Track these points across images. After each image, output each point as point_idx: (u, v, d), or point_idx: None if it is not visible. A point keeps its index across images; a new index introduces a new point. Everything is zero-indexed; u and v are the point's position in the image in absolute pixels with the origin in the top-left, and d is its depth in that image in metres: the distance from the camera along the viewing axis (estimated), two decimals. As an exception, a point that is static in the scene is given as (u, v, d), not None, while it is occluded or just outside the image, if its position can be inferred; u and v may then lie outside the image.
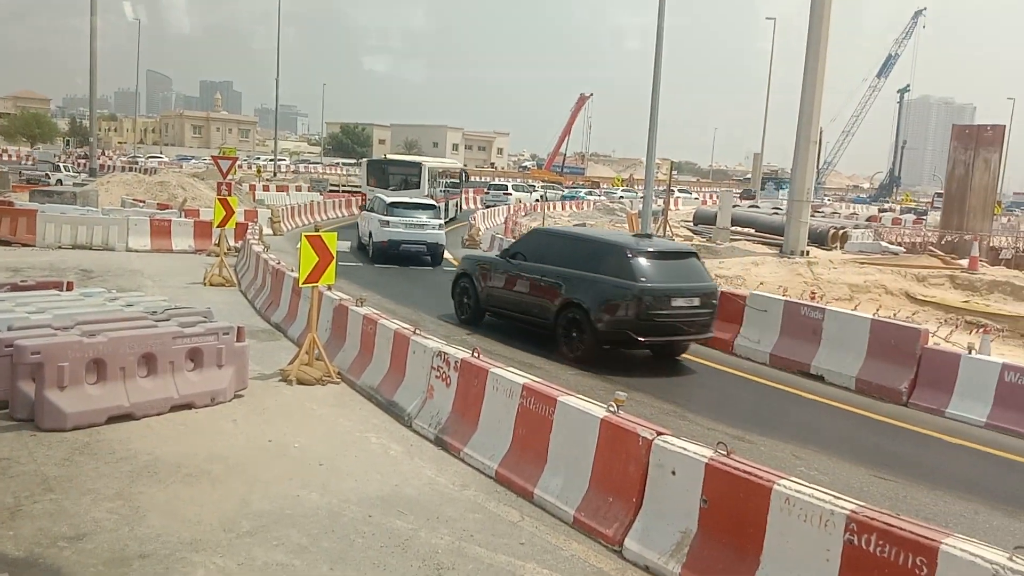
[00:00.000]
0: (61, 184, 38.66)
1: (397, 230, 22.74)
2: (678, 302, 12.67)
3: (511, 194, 54.35)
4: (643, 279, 12.42)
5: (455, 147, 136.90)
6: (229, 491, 7.01)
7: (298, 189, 50.01)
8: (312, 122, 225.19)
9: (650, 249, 13.10)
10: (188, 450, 7.87)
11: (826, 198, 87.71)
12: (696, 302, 12.92)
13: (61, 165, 52.24)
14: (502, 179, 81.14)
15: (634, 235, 17.19)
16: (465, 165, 63.54)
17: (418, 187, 32.03)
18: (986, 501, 8.27)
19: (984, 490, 8.67)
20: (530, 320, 14.16)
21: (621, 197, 62.82)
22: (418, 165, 33.46)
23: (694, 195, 79.15)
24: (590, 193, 66.87)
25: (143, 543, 5.95)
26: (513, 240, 20.40)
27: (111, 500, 6.63)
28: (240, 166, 60.02)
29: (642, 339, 12.46)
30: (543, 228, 19.16)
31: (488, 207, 46.74)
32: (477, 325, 15.17)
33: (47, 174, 46.99)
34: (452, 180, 39.31)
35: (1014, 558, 4.41)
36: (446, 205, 35.52)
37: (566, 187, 76.58)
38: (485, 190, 58.20)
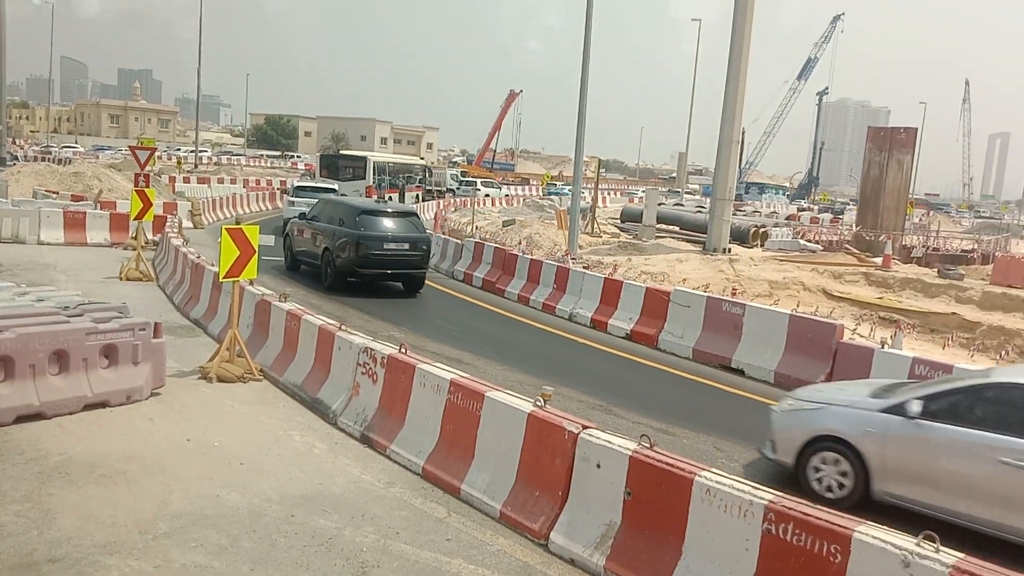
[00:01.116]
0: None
1: (301, 209, 24.79)
2: (390, 246, 17.84)
3: (480, 189, 58.40)
4: (363, 229, 17.60)
5: (383, 141, 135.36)
6: (145, 492, 6.80)
7: (220, 181, 48.74)
8: (235, 113, 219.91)
9: (373, 209, 18.57)
10: (102, 450, 7.61)
11: (765, 193, 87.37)
12: (406, 246, 18.09)
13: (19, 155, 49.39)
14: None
15: (375, 201, 21.48)
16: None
17: (364, 178, 36.25)
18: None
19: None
20: (312, 262, 19.16)
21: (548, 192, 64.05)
22: (364, 159, 38.18)
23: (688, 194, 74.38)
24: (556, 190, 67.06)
25: (53, 547, 5.72)
26: (437, 233, 25.02)
27: (19, 503, 6.36)
28: (159, 157, 58.22)
29: (363, 271, 17.73)
30: (327, 196, 23.20)
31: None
32: (296, 272, 19.84)
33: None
34: (409, 175, 43.58)
35: (921, 544, 4.60)
36: (401, 196, 39.05)
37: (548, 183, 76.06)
38: (456, 186, 60.21)
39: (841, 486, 7.84)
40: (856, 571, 4.77)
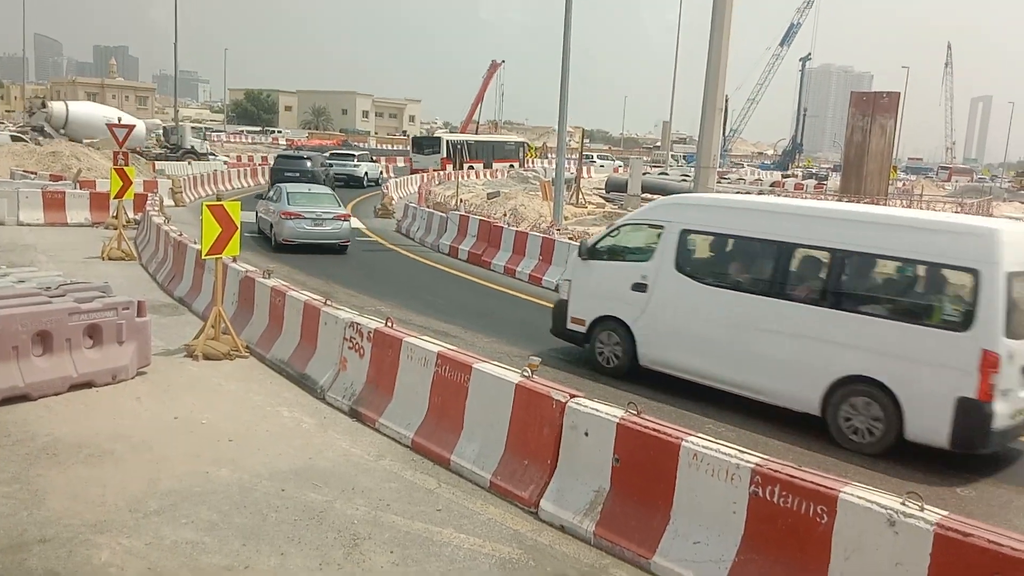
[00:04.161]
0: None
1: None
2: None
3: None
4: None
5: (365, 114, 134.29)
6: (134, 470, 6.79)
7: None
8: (214, 88, 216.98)
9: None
10: (89, 430, 7.58)
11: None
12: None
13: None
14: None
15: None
16: (376, 133, 74.22)
17: (439, 152, 50.51)
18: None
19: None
20: None
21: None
22: (438, 139, 54.46)
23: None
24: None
25: (43, 527, 5.71)
26: (421, 206, 26.25)
27: (7, 484, 6.33)
28: (139, 135, 57.14)
29: None
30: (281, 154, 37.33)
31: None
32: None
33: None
34: (504, 149, 58.89)
35: (906, 503, 4.65)
36: (487, 164, 54.26)
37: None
38: None
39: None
40: (842, 531, 4.83)
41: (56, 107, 43.43)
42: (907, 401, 8.08)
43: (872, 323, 8.37)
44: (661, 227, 10.28)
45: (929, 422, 7.98)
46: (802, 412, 8.87)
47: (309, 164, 33.28)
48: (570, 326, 11.16)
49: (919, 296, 8.55)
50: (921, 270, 8.50)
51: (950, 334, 7.94)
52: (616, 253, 10.92)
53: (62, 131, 41.84)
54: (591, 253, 11.03)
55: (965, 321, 7.89)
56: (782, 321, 8.96)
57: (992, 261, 7.80)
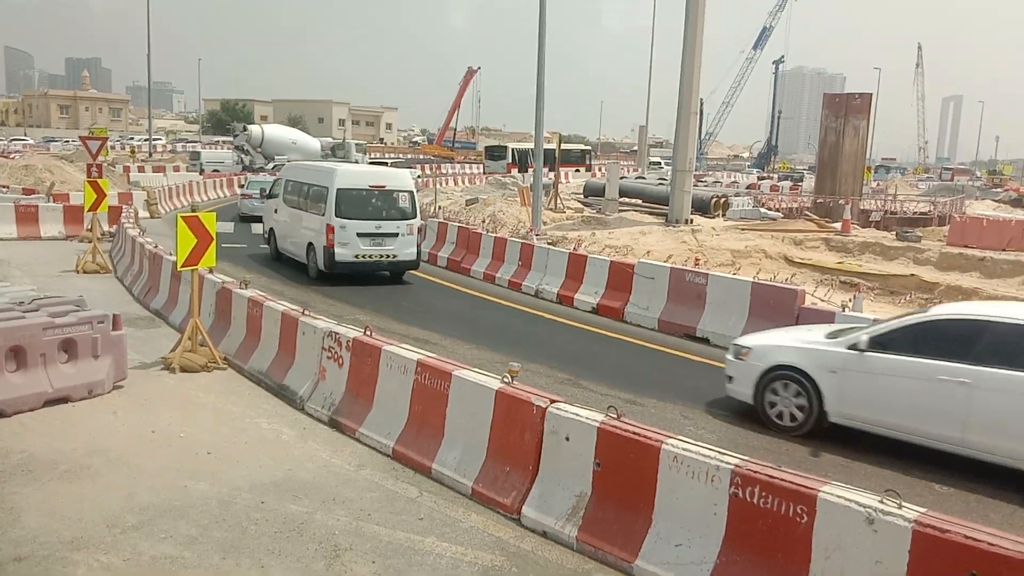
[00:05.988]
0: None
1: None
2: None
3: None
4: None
5: (341, 122, 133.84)
6: (112, 485, 6.71)
7: (176, 170, 47.83)
8: (189, 99, 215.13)
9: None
10: (66, 445, 7.49)
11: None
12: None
13: None
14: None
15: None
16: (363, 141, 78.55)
17: (505, 158, 57.46)
18: (860, 451, 8.75)
19: (860, 441, 9.16)
20: None
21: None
22: (505, 147, 62.41)
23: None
24: None
25: (18, 546, 5.63)
26: None
27: (-20, 503, 6.24)
28: (112, 147, 56.95)
29: None
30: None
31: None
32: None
33: None
34: (568, 156, 58.29)
35: (884, 501, 4.69)
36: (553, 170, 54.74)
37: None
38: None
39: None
40: (822, 530, 4.86)
41: (254, 130, 52.86)
42: (316, 249, 16.99)
43: (312, 217, 17.39)
44: (281, 179, 20.06)
45: (314, 258, 17.08)
46: (303, 262, 17.75)
47: None
48: (265, 238, 20.70)
49: (319, 202, 17.00)
50: (321, 190, 17.02)
51: (322, 217, 16.74)
52: (274, 195, 20.06)
53: (259, 150, 51.39)
54: (268, 196, 20.73)
55: (325, 211, 16.64)
56: (302, 221, 17.96)
57: (332, 183, 16.71)
